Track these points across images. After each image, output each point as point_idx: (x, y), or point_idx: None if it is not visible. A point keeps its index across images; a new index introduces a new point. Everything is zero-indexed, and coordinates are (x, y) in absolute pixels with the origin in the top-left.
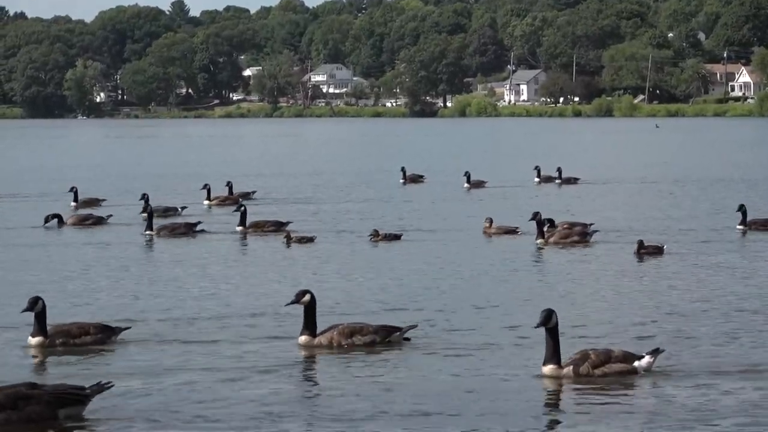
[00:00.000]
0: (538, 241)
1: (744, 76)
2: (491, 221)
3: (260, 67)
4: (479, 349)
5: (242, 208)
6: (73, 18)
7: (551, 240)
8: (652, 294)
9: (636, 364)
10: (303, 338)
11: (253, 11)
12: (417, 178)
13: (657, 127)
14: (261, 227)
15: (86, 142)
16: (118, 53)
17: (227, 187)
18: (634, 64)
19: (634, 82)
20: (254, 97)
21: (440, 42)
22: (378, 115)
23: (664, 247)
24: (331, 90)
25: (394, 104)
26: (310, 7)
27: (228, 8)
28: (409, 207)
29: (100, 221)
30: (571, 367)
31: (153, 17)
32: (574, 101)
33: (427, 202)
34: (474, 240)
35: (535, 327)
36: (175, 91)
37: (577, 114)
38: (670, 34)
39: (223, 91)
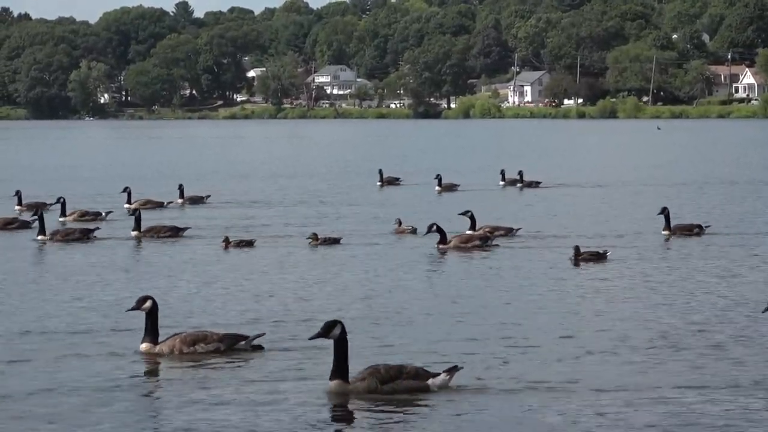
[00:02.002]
0: (439, 245)
1: (748, 78)
2: (400, 222)
3: (264, 69)
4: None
5: (137, 213)
6: (78, 19)
7: (452, 244)
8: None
9: (429, 381)
10: (144, 345)
11: (257, 12)
12: (393, 181)
13: (659, 129)
14: (157, 232)
15: (107, 143)
16: (122, 54)
17: (179, 191)
18: (638, 66)
19: (638, 84)
20: (258, 98)
21: (444, 43)
22: (382, 116)
23: (608, 253)
24: (335, 91)
25: (398, 106)
26: (315, 8)
27: (232, 9)
28: (373, 210)
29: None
30: (358, 383)
31: (157, 18)
32: (578, 102)
33: (393, 205)
34: (395, 244)
35: (310, 339)
36: (179, 92)
37: (581, 115)
38: (675, 36)
39: (227, 93)
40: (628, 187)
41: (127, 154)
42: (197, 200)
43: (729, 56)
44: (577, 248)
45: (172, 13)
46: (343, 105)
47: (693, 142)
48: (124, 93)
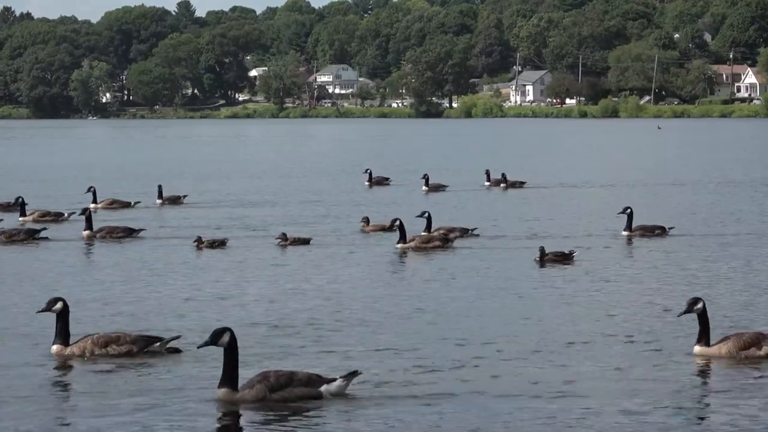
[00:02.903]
0: (398, 245)
1: (750, 77)
2: (367, 220)
3: (266, 68)
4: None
5: (87, 212)
6: (79, 18)
7: (412, 244)
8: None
9: (323, 388)
10: (55, 347)
11: (259, 12)
12: (382, 181)
13: (659, 128)
14: (110, 232)
15: (119, 141)
16: (124, 53)
17: (158, 191)
18: (639, 65)
19: (640, 83)
20: (260, 97)
21: (446, 43)
22: (384, 115)
23: (574, 254)
24: (337, 90)
25: (399, 105)
26: (316, 7)
27: (234, 9)
28: (354, 210)
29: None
30: (247, 391)
31: (159, 18)
32: (580, 102)
33: (377, 205)
34: (362, 244)
35: (198, 347)
36: (181, 91)
37: (583, 115)
38: (676, 35)
39: (229, 92)
40: (612, 187)
41: (128, 153)
42: (175, 200)
43: (731, 56)
44: (542, 249)
45: (174, 13)
46: (345, 104)
47: (690, 142)
48: (125, 92)
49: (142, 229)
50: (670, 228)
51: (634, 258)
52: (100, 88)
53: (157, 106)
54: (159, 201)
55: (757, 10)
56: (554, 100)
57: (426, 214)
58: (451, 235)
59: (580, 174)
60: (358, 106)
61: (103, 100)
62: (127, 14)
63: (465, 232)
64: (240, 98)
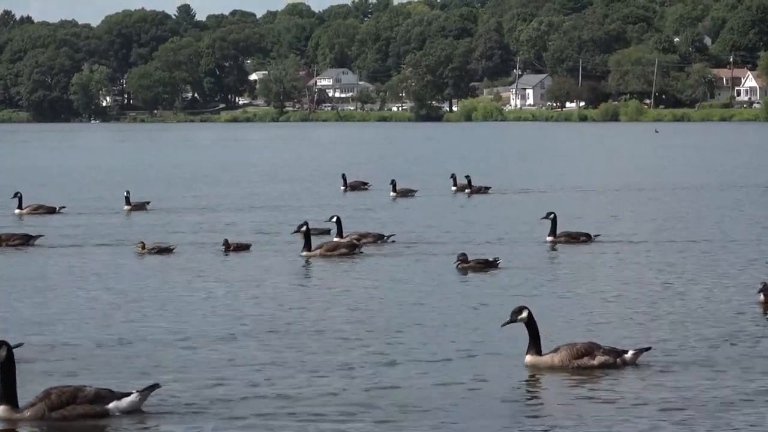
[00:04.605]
0: (303, 252)
1: (750, 81)
2: (307, 225)
3: (266, 72)
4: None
5: None
6: (80, 22)
7: (318, 252)
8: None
9: (112, 405)
10: None
11: (259, 15)
12: (360, 185)
13: (657, 132)
14: (6, 240)
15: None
16: (124, 57)
17: (125, 197)
18: (640, 69)
19: (640, 87)
20: (260, 101)
21: (446, 46)
22: (384, 119)
23: (498, 261)
24: (337, 94)
25: (400, 108)
26: (317, 11)
27: (234, 12)
28: (318, 216)
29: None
30: (27, 410)
31: (159, 21)
32: (580, 106)
33: (341, 211)
34: (285, 250)
35: None
36: (181, 95)
37: (583, 119)
38: (676, 39)
39: (229, 96)
40: (579, 192)
41: (116, 157)
42: (139, 206)
43: (731, 59)
44: (464, 255)
45: (174, 17)
46: (345, 108)
47: (684, 146)
48: (126, 96)
49: (40, 236)
50: (596, 235)
51: (545, 266)
52: (101, 92)
53: (157, 110)
54: (126, 207)
55: (757, 13)
56: (554, 104)
57: (335, 219)
58: (361, 242)
59: (551, 179)
60: (358, 110)
61: (104, 104)
62: (127, 18)
63: (379, 239)
64: (240, 102)
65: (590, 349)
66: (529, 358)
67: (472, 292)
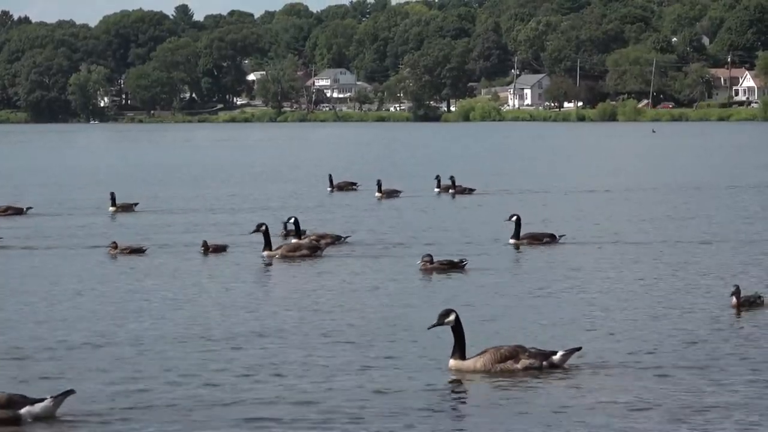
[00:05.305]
0: (264, 252)
1: (748, 81)
2: (285, 227)
3: (264, 72)
4: None
5: None
6: (77, 22)
7: (278, 252)
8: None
9: (24, 410)
10: None
11: (257, 15)
12: (347, 186)
13: (653, 132)
14: None
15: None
16: (122, 57)
17: (110, 198)
18: (638, 69)
19: (638, 87)
20: (258, 101)
21: (444, 46)
22: (382, 119)
23: (464, 263)
24: (335, 94)
25: (397, 109)
26: (314, 11)
27: (232, 12)
28: (300, 216)
29: None
30: None
31: (157, 22)
32: (578, 105)
33: (325, 212)
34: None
35: None
36: (179, 95)
37: (581, 119)
38: (674, 39)
39: (227, 96)
40: (560, 193)
41: (109, 158)
42: (127, 207)
43: (729, 59)
44: (429, 257)
45: (171, 17)
46: (343, 108)
47: (679, 146)
48: (123, 96)
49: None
50: (561, 236)
51: (507, 268)
52: (98, 93)
53: (155, 111)
54: (112, 209)
55: (755, 13)
56: (552, 104)
57: (292, 220)
58: (321, 242)
59: (537, 180)
60: (356, 110)
61: (101, 105)
62: (125, 18)
63: (337, 239)
64: (238, 102)
65: (515, 353)
66: (452, 363)
67: (429, 294)
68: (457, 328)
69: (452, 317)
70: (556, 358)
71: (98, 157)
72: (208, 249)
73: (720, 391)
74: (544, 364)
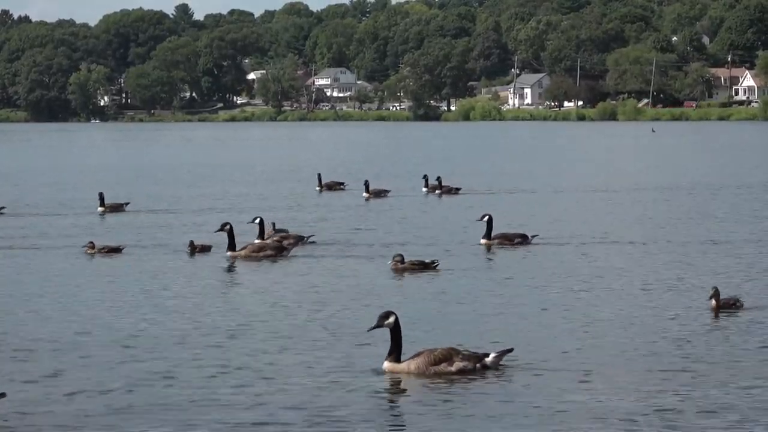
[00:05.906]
0: (228, 253)
1: (748, 80)
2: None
3: (264, 71)
4: None
5: None
6: (78, 22)
7: (242, 253)
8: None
9: None
10: None
11: (257, 15)
12: (335, 186)
13: (653, 131)
14: None
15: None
16: (122, 57)
17: (99, 199)
18: (638, 68)
19: (638, 86)
20: (258, 100)
21: (444, 46)
22: (382, 119)
23: (436, 264)
24: (335, 94)
25: (398, 108)
26: (315, 10)
27: (232, 12)
28: (283, 216)
29: None
30: None
31: (157, 21)
32: (578, 105)
33: (309, 212)
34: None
35: None
36: (179, 94)
37: (581, 118)
38: (674, 38)
39: (227, 95)
40: (548, 193)
41: (105, 157)
42: (117, 207)
43: (729, 59)
44: (400, 257)
45: (172, 16)
46: (343, 107)
47: (677, 145)
48: (123, 95)
49: None
50: (533, 236)
51: (478, 269)
52: (98, 92)
53: (155, 110)
54: (101, 209)
55: (755, 13)
56: (552, 103)
57: (257, 220)
58: (285, 243)
59: (527, 179)
60: (356, 110)
61: (101, 104)
62: (125, 17)
63: (300, 240)
64: (238, 101)
65: (448, 355)
66: (386, 365)
67: (394, 294)
68: (395, 331)
69: (392, 319)
70: (488, 360)
71: (102, 157)
72: (195, 249)
73: (670, 395)
74: (477, 366)
